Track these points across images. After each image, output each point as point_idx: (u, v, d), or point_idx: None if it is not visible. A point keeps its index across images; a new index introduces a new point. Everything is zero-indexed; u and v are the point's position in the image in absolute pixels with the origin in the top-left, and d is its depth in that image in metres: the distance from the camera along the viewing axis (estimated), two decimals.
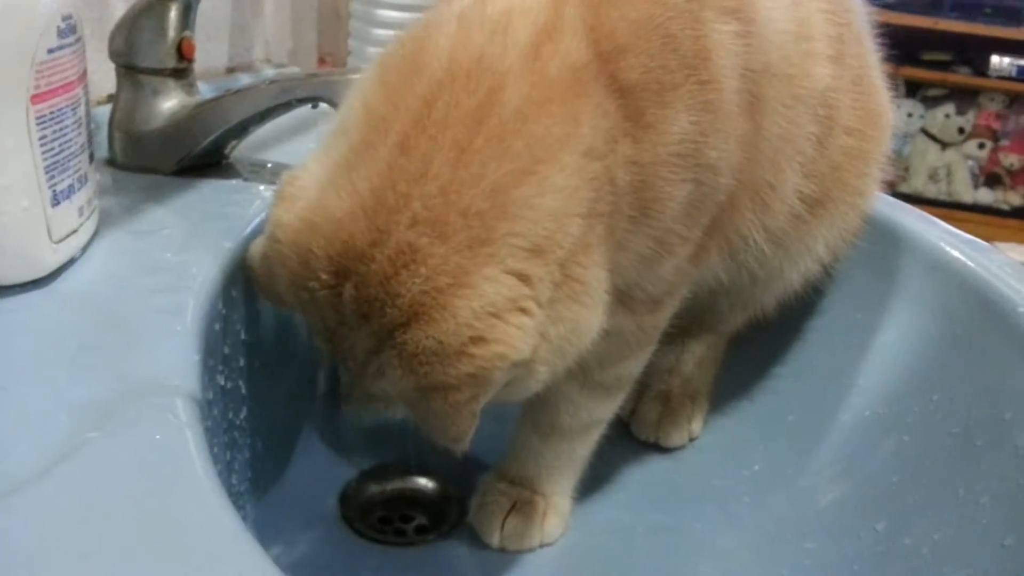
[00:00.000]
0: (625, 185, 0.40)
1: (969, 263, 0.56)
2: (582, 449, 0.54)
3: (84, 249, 0.40)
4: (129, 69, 0.50)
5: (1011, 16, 2.76)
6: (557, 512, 0.55)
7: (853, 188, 0.57)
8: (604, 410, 0.53)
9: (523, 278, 0.37)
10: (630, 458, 0.62)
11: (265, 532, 0.50)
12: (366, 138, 0.38)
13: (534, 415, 0.53)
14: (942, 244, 0.58)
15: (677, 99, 0.40)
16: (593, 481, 0.59)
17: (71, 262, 0.39)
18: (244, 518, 0.46)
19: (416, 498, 0.59)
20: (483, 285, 0.36)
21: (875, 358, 0.58)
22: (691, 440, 0.62)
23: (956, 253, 0.57)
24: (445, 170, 0.37)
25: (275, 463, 0.52)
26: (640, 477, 0.61)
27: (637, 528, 0.56)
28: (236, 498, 0.46)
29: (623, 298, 0.46)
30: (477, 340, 0.36)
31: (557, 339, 0.39)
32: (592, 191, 0.38)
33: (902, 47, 2.29)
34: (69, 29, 0.36)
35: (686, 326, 0.65)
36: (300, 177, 0.39)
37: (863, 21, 0.58)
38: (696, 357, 0.65)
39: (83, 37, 0.39)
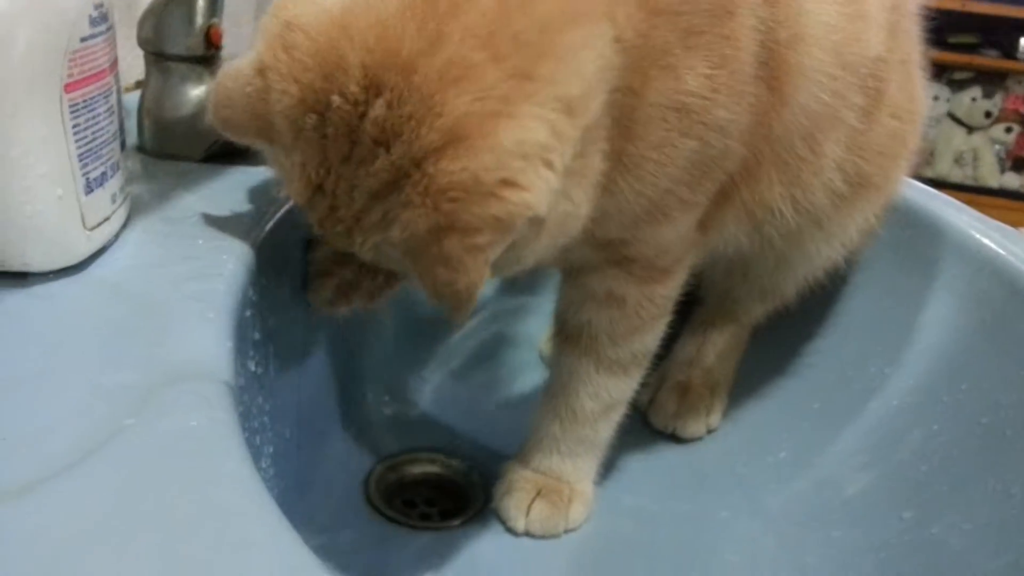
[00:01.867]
0: (627, 113, 0.39)
1: (1000, 251, 0.55)
2: (604, 432, 0.54)
3: (116, 236, 0.41)
4: (157, 56, 0.50)
5: None
6: (581, 498, 0.55)
7: (890, 174, 0.56)
8: (623, 389, 0.53)
9: (555, 132, 0.35)
10: (653, 444, 0.62)
11: (292, 516, 0.50)
12: None
13: (554, 400, 0.54)
14: (972, 231, 0.58)
15: (699, 46, 0.39)
16: (617, 467, 0.59)
17: (104, 249, 0.40)
18: (278, 503, 0.47)
19: (440, 483, 0.60)
20: (527, 121, 0.34)
21: (903, 346, 0.58)
22: (708, 432, 0.62)
23: (986, 240, 0.56)
24: None
25: (302, 448, 0.53)
26: (664, 463, 0.61)
27: (662, 515, 0.57)
28: (268, 481, 0.46)
29: (621, 260, 0.46)
30: (510, 183, 0.34)
31: (561, 216, 0.37)
32: (614, 78, 0.37)
33: (929, 29, 2.25)
34: (101, 17, 0.36)
35: (708, 317, 0.65)
36: None
37: (914, 7, 0.57)
38: (717, 348, 0.64)
39: (114, 25, 0.39)
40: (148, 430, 0.29)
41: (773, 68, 0.43)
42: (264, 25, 0.36)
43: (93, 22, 0.36)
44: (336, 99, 0.34)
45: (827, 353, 0.63)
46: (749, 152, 0.45)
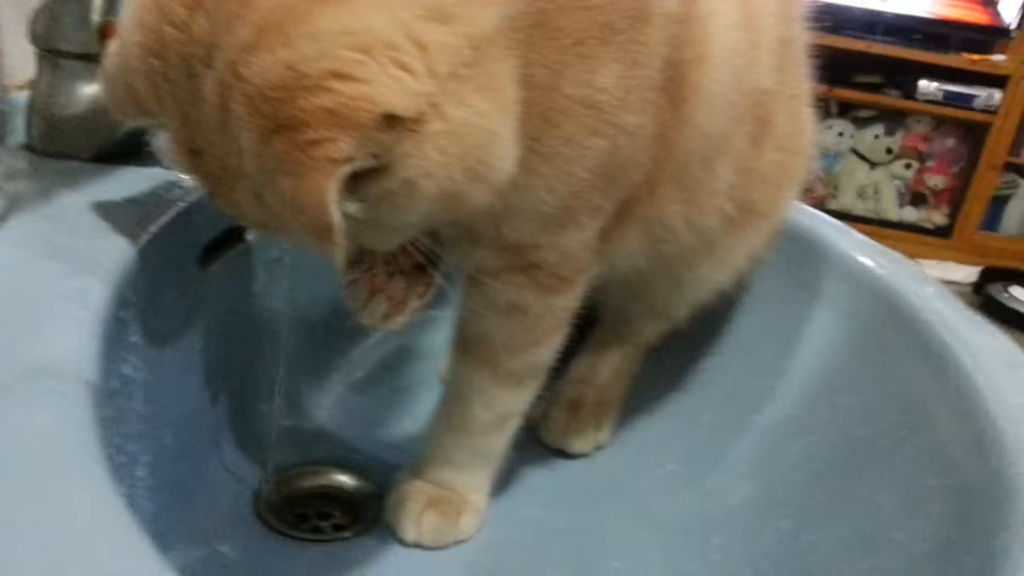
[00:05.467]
0: (542, 100, 0.38)
1: (879, 271, 0.58)
2: (497, 444, 0.55)
3: None
4: (49, 53, 0.49)
5: (939, 42, 2.87)
6: (473, 509, 0.55)
7: (775, 204, 0.59)
8: (517, 401, 0.53)
9: (414, 39, 0.32)
10: (549, 457, 0.63)
11: (173, 526, 0.49)
12: None
13: (448, 411, 0.54)
14: (853, 252, 0.61)
15: (614, 44, 0.39)
16: (513, 479, 0.60)
17: None
18: (154, 511, 0.46)
19: (334, 496, 0.59)
20: (359, 8, 0.31)
21: (789, 362, 0.60)
22: (597, 448, 0.63)
23: (868, 262, 0.59)
24: None
25: (187, 458, 0.51)
26: (559, 475, 0.62)
27: (553, 525, 0.57)
28: (144, 491, 0.45)
29: (525, 267, 0.46)
30: (339, 74, 0.31)
31: (457, 122, 0.34)
32: (514, 6, 0.35)
33: (836, 68, 2.37)
34: None
35: (603, 336, 0.66)
36: None
37: (803, 46, 0.59)
38: (611, 367, 0.65)
39: None
40: (3, 425, 0.28)
41: (678, 85, 0.44)
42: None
43: None
44: (167, 30, 0.32)
45: (718, 369, 0.65)
46: (652, 165, 0.46)
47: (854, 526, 0.45)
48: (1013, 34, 2.82)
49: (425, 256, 0.44)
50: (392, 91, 0.31)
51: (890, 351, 0.53)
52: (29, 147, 0.51)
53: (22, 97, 0.52)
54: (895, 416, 0.49)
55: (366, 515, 0.57)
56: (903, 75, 2.85)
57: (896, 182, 3.02)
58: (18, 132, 0.50)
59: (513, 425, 0.55)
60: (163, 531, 0.48)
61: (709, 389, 0.64)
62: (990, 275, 2.79)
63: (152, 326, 0.43)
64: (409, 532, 0.53)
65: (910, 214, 3.03)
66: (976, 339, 0.49)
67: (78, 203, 0.45)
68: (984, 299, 2.71)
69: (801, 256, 0.63)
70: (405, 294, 0.47)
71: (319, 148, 0.30)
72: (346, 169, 0.31)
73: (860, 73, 2.87)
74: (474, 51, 0.34)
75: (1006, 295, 2.69)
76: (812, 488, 0.51)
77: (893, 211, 3.03)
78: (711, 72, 0.45)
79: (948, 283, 2.89)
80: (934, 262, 2.96)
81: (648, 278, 0.58)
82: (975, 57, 2.78)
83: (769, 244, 0.61)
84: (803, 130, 0.59)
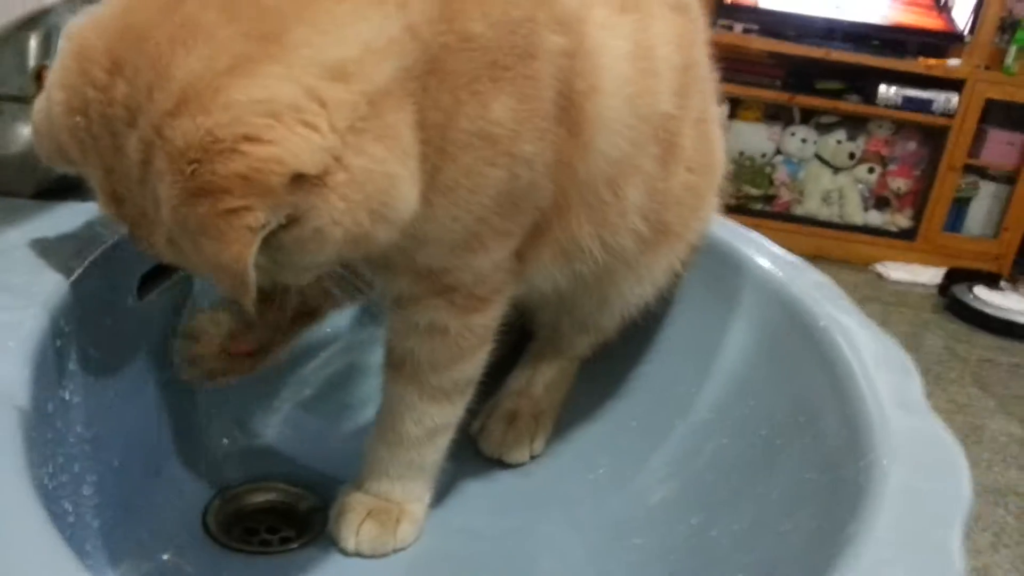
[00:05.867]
0: (440, 134, 0.41)
1: (787, 282, 0.62)
2: (430, 456, 0.57)
3: None
4: None
5: (897, 48, 2.94)
6: (410, 519, 0.58)
7: (689, 224, 0.62)
8: (446, 416, 0.56)
9: (315, 97, 0.35)
10: (486, 467, 0.66)
11: (124, 542, 0.51)
12: None
13: (382, 426, 0.57)
14: (767, 264, 0.64)
15: (505, 79, 0.42)
16: (451, 489, 0.63)
17: None
18: (100, 527, 0.48)
19: (282, 511, 0.62)
20: (266, 80, 0.34)
21: (707, 369, 0.64)
22: (532, 457, 0.66)
23: (778, 273, 0.63)
24: None
25: (134, 477, 0.54)
26: (495, 485, 0.65)
27: (489, 531, 0.60)
28: (91, 508, 0.48)
29: (442, 290, 0.49)
30: (251, 138, 0.34)
31: (358, 171, 0.37)
32: (409, 60, 0.38)
33: (797, 76, 2.43)
34: None
35: (538, 350, 0.70)
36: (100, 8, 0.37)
37: (708, 73, 0.62)
38: (546, 380, 0.69)
39: None
40: None
41: (573, 114, 0.47)
42: (58, 48, 0.38)
43: None
44: (90, 92, 0.35)
45: (646, 377, 0.69)
46: (558, 190, 0.50)
47: (750, 519, 0.49)
48: (967, 39, 2.89)
49: (343, 285, 0.47)
50: (299, 149, 0.35)
51: (791, 357, 0.57)
52: None
53: None
54: (790, 417, 0.52)
55: (313, 528, 0.60)
56: (863, 81, 2.92)
57: (860, 186, 3.08)
58: None
59: (445, 437, 0.58)
60: (112, 546, 0.50)
61: (637, 396, 0.68)
62: (955, 276, 2.84)
63: (89, 353, 0.46)
64: (349, 542, 0.56)
65: (875, 217, 3.09)
66: (866, 345, 0.52)
67: (17, 239, 0.47)
68: (949, 300, 2.77)
69: (719, 269, 0.66)
70: (250, 350, 0.49)
71: (238, 217, 0.34)
72: (262, 234, 0.35)
73: (821, 80, 2.94)
74: (371, 105, 0.37)
75: (971, 296, 2.74)
76: (720, 486, 0.54)
77: (858, 215, 3.08)
78: (605, 100, 0.48)
79: (915, 285, 2.94)
80: (900, 264, 3.02)
81: (573, 295, 0.61)
82: (931, 62, 2.85)
83: (687, 260, 0.65)
84: (712, 151, 0.62)
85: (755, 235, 0.69)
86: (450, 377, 0.54)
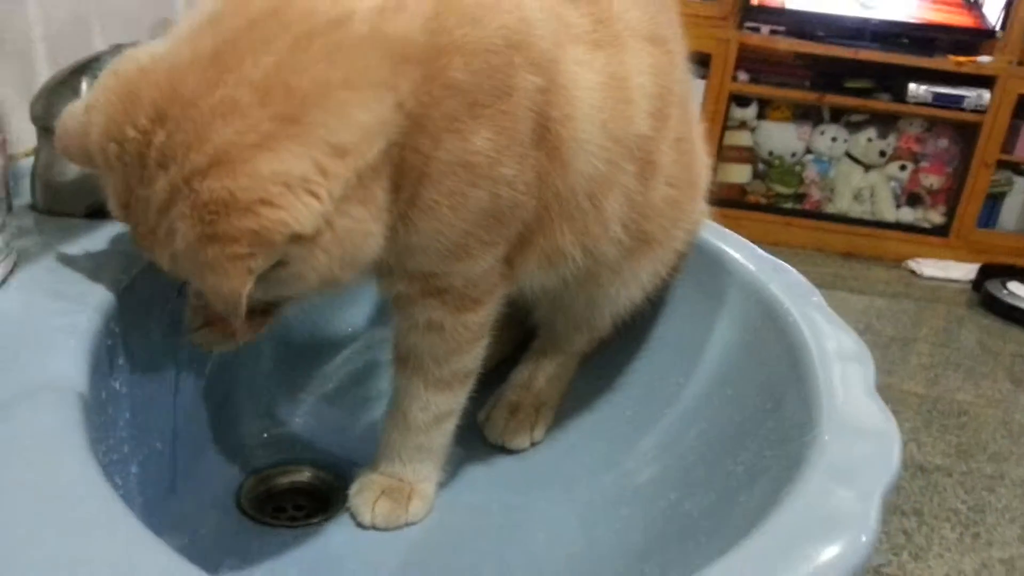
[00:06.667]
0: (420, 166, 0.47)
1: (766, 282, 0.67)
2: (438, 440, 0.63)
3: (2, 282, 0.50)
4: (47, 130, 0.59)
5: (926, 47, 2.94)
6: (421, 496, 0.63)
7: (672, 234, 0.67)
8: (449, 403, 0.62)
9: (321, 169, 0.42)
10: (493, 452, 0.72)
11: (162, 517, 0.58)
12: (219, 14, 0.44)
13: (393, 414, 0.63)
14: (748, 265, 0.70)
15: (483, 116, 0.49)
16: (460, 471, 0.69)
17: None
18: (144, 502, 0.56)
19: (308, 491, 0.68)
20: (286, 155, 0.41)
21: (694, 361, 0.69)
22: (533, 444, 0.72)
23: (759, 274, 0.68)
24: (283, 51, 0.42)
25: (176, 460, 0.61)
26: (501, 467, 0.71)
27: (493, 508, 0.66)
28: (136, 485, 0.55)
29: (435, 291, 0.55)
30: (266, 202, 0.40)
31: (342, 231, 0.44)
32: (394, 134, 0.45)
33: (827, 76, 2.48)
34: None
35: (540, 347, 0.76)
36: (148, 46, 0.44)
37: (689, 94, 0.68)
38: (547, 374, 0.75)
39: (2, 112, 0.48)
40: (10, 427, 0.38)
41: (551, 140, 0.53)
42: (102, 73, 0.46)
43: None
44: (130, 130, 0.42)
45: (640, 370, 0.74)
46: (540, 205, 0.56)
47: (717, 493, 0.54)
48: (998, 35, 2.88)
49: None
50: (302, 215, 0.41)
51: (764, 349, 0.62)
52: (34, 207, 0.61)
53: (27, 163, 0.63)
54: (759, 403, 0.58)
55: (334, 505, 0.67)
56: (892, 79, 2.92)
57: (892, 183, 3.08)
58: (24, 194, 0.61)
59: (450, 423, 0.64)
60: (153, 521, 0.57)
61: (631, 388, 0.73)
62: (989, 272, 2.84)
63: (136, 352, 0.54)
64: (366, 517, 0.62)
65: (907, 214, 3.09)
66: (830, 337, 0.58)
67: (73, 254, 0.55)
68: (983, 296, 2.76)
69: (707, 269, 0.72)
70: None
71: (243, 261, 0.41)
72: (258, 274, 0.42)
73: (850, 79, 2.95)
74: (359, 177, 0.45)
75: (1005, 291, 2.74)
76: (697, 465, 0.60)
77: (890, 212, 3.08)
78: (579, 126, 0.54)
79: (948, 281, 2.94)
80: (933, 260, 3.01)
81: (563, 296, 0.67)
82: (962, 59, 2.85)
83: (674, 265, 0.70)
84: (692, 167, 0.68)
85: (741, 239, 0.74)
86: (450, 369, 0.60)
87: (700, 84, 2.88)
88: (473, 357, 0.61)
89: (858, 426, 0.48)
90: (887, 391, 2.22)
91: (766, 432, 0.55)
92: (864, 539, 0.39)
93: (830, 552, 0.38)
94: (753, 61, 2.93)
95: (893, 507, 1.70)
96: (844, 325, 0.60)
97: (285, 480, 0.69)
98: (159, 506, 0.58)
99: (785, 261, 0.71)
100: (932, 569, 1.54)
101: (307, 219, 0.42)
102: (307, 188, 0.42)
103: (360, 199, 0.45)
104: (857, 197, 3.08)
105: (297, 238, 0.42)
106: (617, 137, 0.57)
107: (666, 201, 0.64)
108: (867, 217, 3.08)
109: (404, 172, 0.48)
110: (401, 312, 0.59)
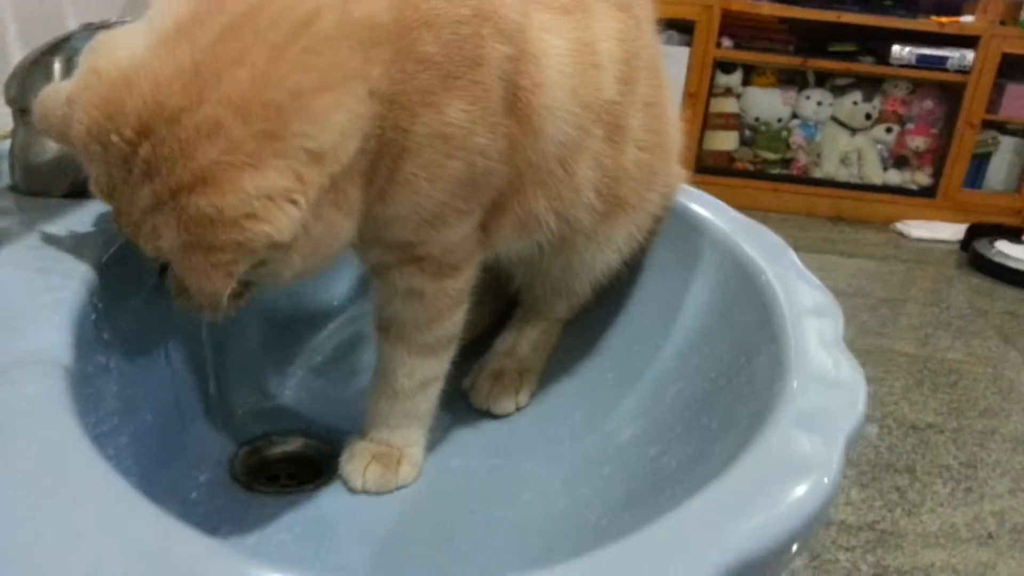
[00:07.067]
0: (399, 142, 0.48)
1: (741, 242, 0.68)
2: (423, 405, 0.65)
3: None
4: (22, 111, 0.60)
5: (909, 7, 2.94)
6: (410, 460, 0.65)
7: (645, 197, 0.69)
8: (434, 368, 0.64)
9: (299, 177, 0.43)
10: (478, 417, 0.73)
11: (158, 487, 0.60)
12: (196, 16, 0.44)
13: (379, 382, 0.64)
14: (723, 226, 0.71)
15: (456, 87, 0.50)
16: (447, 436, 0.70)
17: None
18: (138, 472, 0.57)
19: (300, 460, 0.69)
20: (269, 172, 0.42)
21: (672, 323, 0.71)
22: (518, 409, 0.74)
23: (734, 235, 0.70)
24: (259, 63, 0.43)
25: (168, 431, 0.62)
26: (485, 431, 0.72)
27: (479, 470, 0.68)
28: (128, 456, 0.56)
29: (413, 259, 0.56)
30: (251, 216, 0.42)
31: (315, 234, 0.46)
32: (368, 126, 0.47)
33: (810, 40, 2.48)
34: None
35: (523, 314, 0.77)
36: (122, 36, 0.45)
37: (657, 59, 0.68)
38: (530, 341, 0.76)
39: None
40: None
41: (521, 107, 0.54)
42: (81, 60, 0.46)
43: None
44: (114, 138, 0.43)
45: (621, 333, 0.76)
46: (513, 172, 0.57)
47: (693, 447, 0.56)
48: None
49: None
50: (283, 226, 0.43)
51: (739, 308, 0.63)
52: (14, 188, 0.62)
53: (4, 146, 0.63)
54: (732, 359, 0.59)
55: (327, 473, 0.68)
56: (876, 42, 2.92)
57: (878, 146, 3.09)
58: (3, 176, 0.62)
59: (435, 388, 0.65)
60: (149, 489, 0.59)
61: (612, 351, 0.75)
62: (976, 231, 2.86)
63: (121, 326, 0.55)
64: (357, 482, 0.63)
65: (894, 177, 3.10)
66: (802, 294, 0.59)
67: (54, 231, 0.56)
68: (972, 255, 2.78)
69: (683, 232, 0.73)
70: None
71: (225, 267, 0.43)
72: (238, 276, 0.44)
73: (834, 42, 2.95)
74: (333, 181, 0.46)
75: (993, 250, 2.76)
76: (675, 422, 0.62)
77: (877, 175, 3.09)
78: (548, 93, 0.55)
79: (936, 242, 2.96)
80: (921, 222, 3.03)
81: (543, 263, 0.68)
82: (944, 20, 2.85)
83: (650, 228, 0.71)
84: (663, 131, 0.69)
85: (716, 201, 0.76)
86: (433, 335, 0.62)
87: (684, 51, 2.88)
88: (454, 322, 0.63)
89: (825, 376, 0.49)
90: (878, 352, 2.25)
91: (738, 387, 0.56)
92: (827, 480, 0.40)
93: (795, 492, 0.40)
94: (737, 27, 2.93)
95: (886, 465, 1.73)
96: (815, 281, 0.61)
97: (277, 450, 0.70)
98: (152, 477, 0.59)
99: (774, 227, 0.72)
100: (925, 524, 1.57)
101: (286, 228, 0.43)
102: (288, 197, 0.43)
103: (333, 201, 0.47)
104: (844, 161, 3.09)
105: (276, 245, 0.44)
106: (586, 103, 0.58)
107: (637, 165, 0.65)
108: (854, 181, 3.09)
109: (382, 154, 0.49)
110: (380, 280, 0.60)
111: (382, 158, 0.50)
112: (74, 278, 0.50)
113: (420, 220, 0.54)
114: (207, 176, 0.42)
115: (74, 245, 0.54)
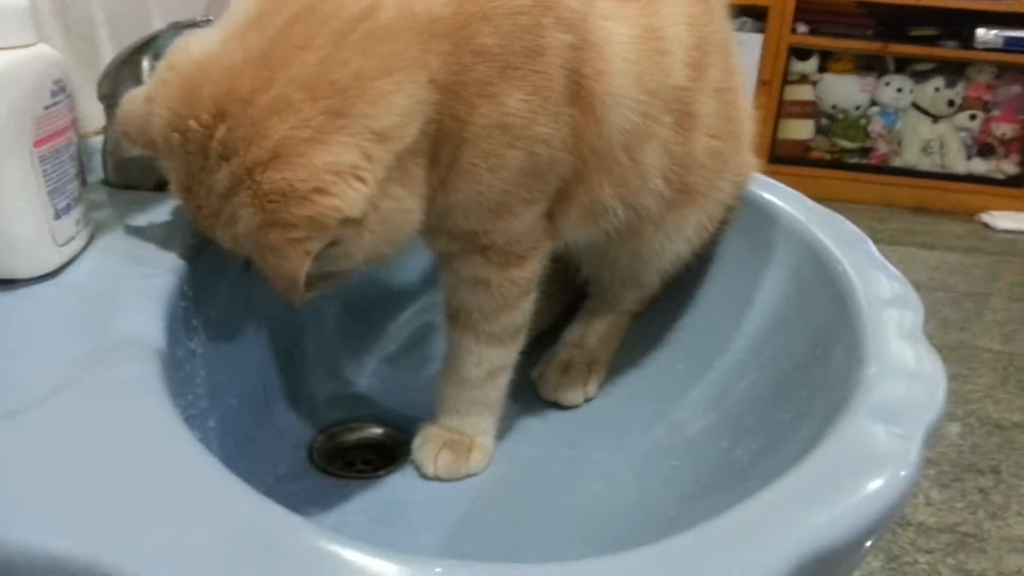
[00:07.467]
0: (458, 132, 0.49)
1: (817, 232, 0.67)
2: (492, 394, 0.66)
3: (82, 250, 0.54)
4: (113, 108, 0.63)
5: None
6: (480, 448, 0.66)
7: (716, 186, 0.68)
8: (501, 358, 0.64)
9: (366, 155, 0.45)
10: (546, 408, 0.74)
11: (241, 470, 0.62)
12: (263, 11, 0.47)
13: (448, 370, 0.65)
14: (798, 216, 0.70)
15: (515, 78, 0.50)
16: (515, 425, 0.71)
17: (72, 260, 0.53)
18: (222, 455, 0.59)
19: (375, 446, 0.71)
20: (336, 147, 0.44)
21: (744, 314, 0.70)
22: (586, 400, 0.74)
23: (809, 225, 0.69)
24: (324, 48, 0.45)
25: (250, 415, 0.65)
26: (554, 422, 0.73)
27: (548, 460, 0.68)
28: (215, 438, 0.58)
29: (479, 249, 0.57)
30: (321, 191, 0.44)
31: (385, 211, 0.47)
32: (429, 110, 0.48)
33: (890, 24, 2.41)
34: (59, 89, 0.49)
35: (592, 306, 0.78)
36: (196, 39, 0.48)
37: (729, 45, 0.67)
38: (598, 333, 0.76)
39: (72, 92, 0.52)
40: (96, 377, 0.41)
41: (584, 95, 0.54)
42: (159, 65, 0.49)
43: (53, 94, 0.49)
44: (192, 123, 0.46)
45: (691, 324, 0.75)
46: (578, 160, 0.57)
47: (765, 439, 0.55)
48: None
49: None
50: (352, 201, 0.45)
51: (814, 298, 0.62)
52: (106, 182, 0.65)
53: (98, 141, 0.67)
54: (808, 350, 0.59)
55: (400, 459, 0.70)
56: (959, 25, 2.81)
57: (961, 134, 2.97)
58: (97, 170, 0.65)
59: (503, 377, 0.66)
60: (233, 471, 0.61)
61: (683, 342, 0.75)
62: None
63: (209, 313, 0.57)
64: (429, 468, 0.65)
65: (979, 166, 2.98)
66: (880, 285, 0.58)
67: (145, 223, 0.59)
68: None
69: (756, 222, 0.72)
70: None
71: (301, 244, 0.44)
72: (313, 255, 0.46)
73: (914, 26, 2.85)
74: (398, 159, 0.48)
75: None
76: (748, 414, 0.61)
77: (961, 164, 2.98)
78: (613, 80, 0.55)
79: (1023, 233, 2.84)
80: (1007, 213, 2.91)
81: (611, 252, 0.68)
82: None
83: (722, 218, 0.71)
84: (735, 118, 0.68)
85: (789, 190, 0.74)
86: (499, 324, 0.62)
87: (758, 38, 2.82)
88: (521, 312, 0.63)
89: (904, 368, 0.48)
90: (961, 348, 2.18)
91: (814, 379, 0.56)
92: (904, 474, 0.40)
93: (871, 486, 0.39)
94: (812, 12, 2.85)
95: (968, 465, 1.67)
96: (894, 271, 0.60)
97: (353, 436, 0.72)
98: (236, 459, 0.61)
99: (851, 218, 0.70)
100: (1011, 527, 1.51)
101: (356, 203, 0.45)
102: (355, 174, 0.45)
103: (399, 180, 0.48)
104: (925, 149, 2.99)
105: (348, 221, 0.45)
106: (652, 89, 0.58)
107: (708, 153, 0.65)
108: (937, 170, 2.98)
109: (442, 141, 0.50)
110: (448, 268, 0.61)
111: (443, 145, 0.51)
112: (165, 267, 0.53)
113: (483, 209, 0.54)
114: (279, 150, 0.44)
115: (164, 235, 0.57)
